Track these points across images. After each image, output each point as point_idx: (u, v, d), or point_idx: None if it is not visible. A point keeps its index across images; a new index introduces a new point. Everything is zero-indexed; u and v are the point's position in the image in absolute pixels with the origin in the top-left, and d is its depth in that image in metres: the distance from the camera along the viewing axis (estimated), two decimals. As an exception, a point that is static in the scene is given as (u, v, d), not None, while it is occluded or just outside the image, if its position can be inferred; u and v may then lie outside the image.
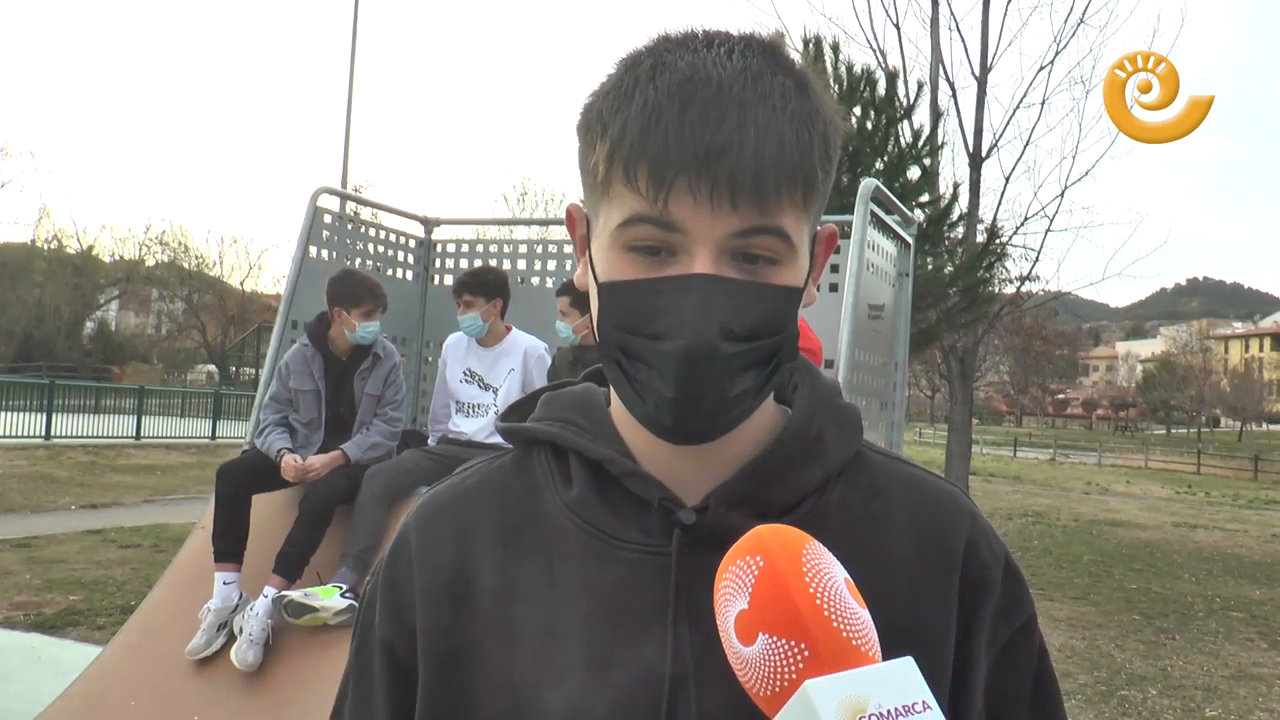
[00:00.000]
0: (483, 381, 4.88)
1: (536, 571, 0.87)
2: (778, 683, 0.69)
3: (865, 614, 0.72)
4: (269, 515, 4.34)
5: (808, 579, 0.70)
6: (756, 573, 0.71)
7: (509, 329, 4.97)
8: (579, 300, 4.56)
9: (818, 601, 0.69)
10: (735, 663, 0.72)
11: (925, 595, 0.86)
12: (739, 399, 0.80)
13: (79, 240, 45.15)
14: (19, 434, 19.54)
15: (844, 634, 0.69)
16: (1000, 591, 0.89)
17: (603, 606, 0.84)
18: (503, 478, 0.94)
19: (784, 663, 0.69)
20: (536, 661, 0.84)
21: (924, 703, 0.68)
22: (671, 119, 0.76)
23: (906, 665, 0.69)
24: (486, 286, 4.82)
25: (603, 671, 0.82)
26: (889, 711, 0.66)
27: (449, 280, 6.29)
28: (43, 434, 20.05)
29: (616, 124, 0.78)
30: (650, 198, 0.77)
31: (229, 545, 4.25)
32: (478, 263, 6.32)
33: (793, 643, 0.69)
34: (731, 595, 0.73)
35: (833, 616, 0.69)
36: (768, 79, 0.79)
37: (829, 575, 0.71)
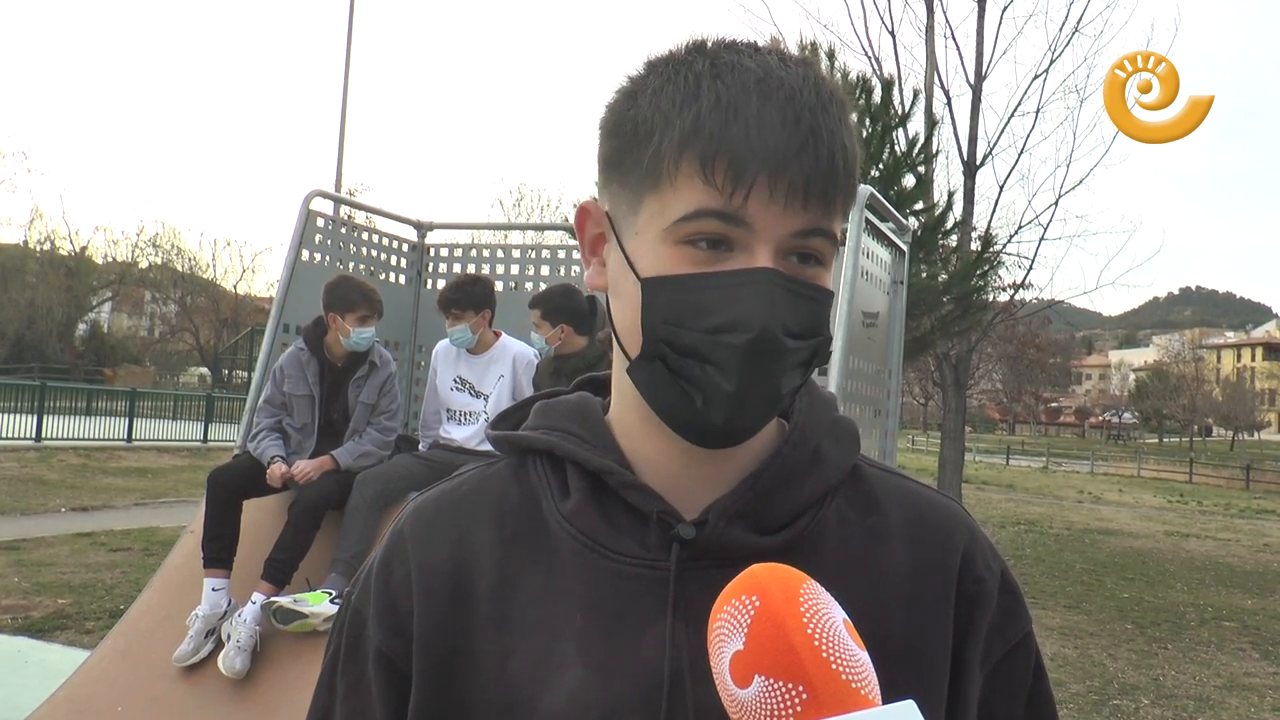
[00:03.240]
0: (473, 389, 4.87)
1: (533, 581, 0.86)
2: None
3: (864, 656, 0.70)
4: (259, 520, 4.32)
5: (805, 620, 0.68)
6: (753, 613, 0.69)
7: (498, 335, 4.95)
8: (551, 312, 4.60)
9: (816, 643, 0.67)
10: (730, 705, 0.70)
11: (922, 610, 0.85)
12: (785, 397, 0.82)
13: (72, 242, 45.13)
14: (10, 436, 19.45)
15: (843, 676, 0.67)
16: (996, 607, 0.88)
17: (599, 618, 0.83)
18: (499, 486, 0.92)
19: (781, 706, 0.67)
20: (532, 668, 0.83)
21: None
22: (751, 115, 0.76)
23: (908, 709, 0.67)
24: (474, 299, 4.80)
25: (599, 677, 0.81)
26: None
27: (442, 285, 6.28)
28: (33, 436, 19.97)
29: (686, 117, 0.78)
30: (726, 192, 0.76)
31: (219, 551, 4.22)
32: (471, 268, 6.31)
33: (790, 685, 0.67)
34: (726, 636, 0.70)
35: (831, 659, 0.67)
36: (824, 89, 0.80)
37: (828, 616, 0.69)
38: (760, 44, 0.83)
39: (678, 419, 0.82)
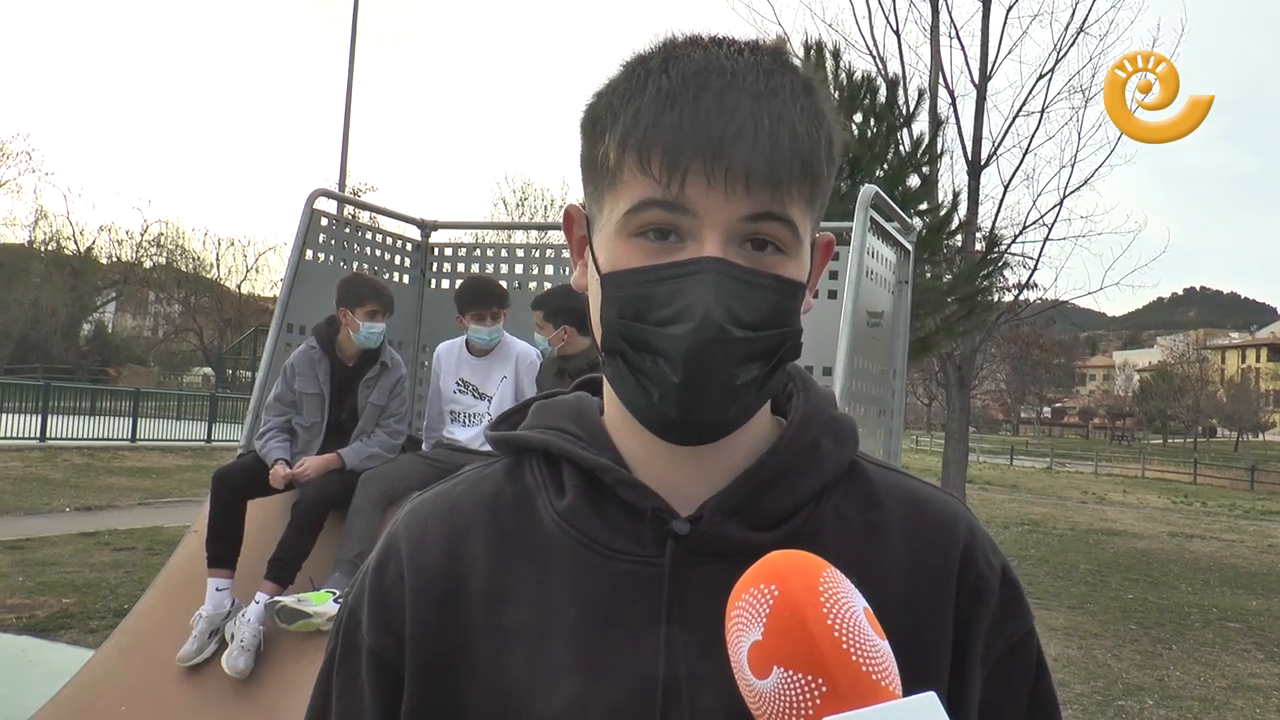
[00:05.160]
0: (477, 390, 4.86)
1: (528, 581, 0.86)
2: (794, 719, 0.66)
3: (885, 646, 0.69)
4: (263, 520, 4.31)
5: (825, 609, 0.67)
6: (771, 602, 0.68)
7: (501, 335, 4.95)
8: (553, 313, 4.60)
9: (836, 634, 0.66)
10: (749, 696, 0.69)
11: (922, 607, 0.85)
12: (743, 390, 0.79)
13: (76, 242, 45.11)
14: (14, 435, 19.49)
15: (863, 668, 0.66)
16: (997, 603, 0.88)
17: (594, 616, 0.83)
18: (494, 486, 0.92)
19: (800, 698, 0.66)
20: (527, 670, 0.82)
21: None
22: (687, 104, 0.77)
23: (929, 701, 0.66)
24: (505, 299, 4.85)
25: (595, 680, 0.81)
26: None
27: (446, 284, 6.28)
28: (38, 436, 20.01)
29: (629, 111, 0.78)
30: (664, 181, 0.76)
31: (222, 551, 4.21)
32: (475, 268, 6.30)
33: (809, 677, 0.66)
34: (745, 625, 0.69)
35: (851, 650, 0.66)
36: (779, 75, 0.79)
37: (848, 605, 0.68)
38: (725, 37, 0.83)
39: (641, 414, 0.82)
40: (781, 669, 0.66)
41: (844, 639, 0.66)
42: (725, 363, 0.77)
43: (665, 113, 0.77)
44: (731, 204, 0.77)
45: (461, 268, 6.33)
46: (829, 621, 0.66)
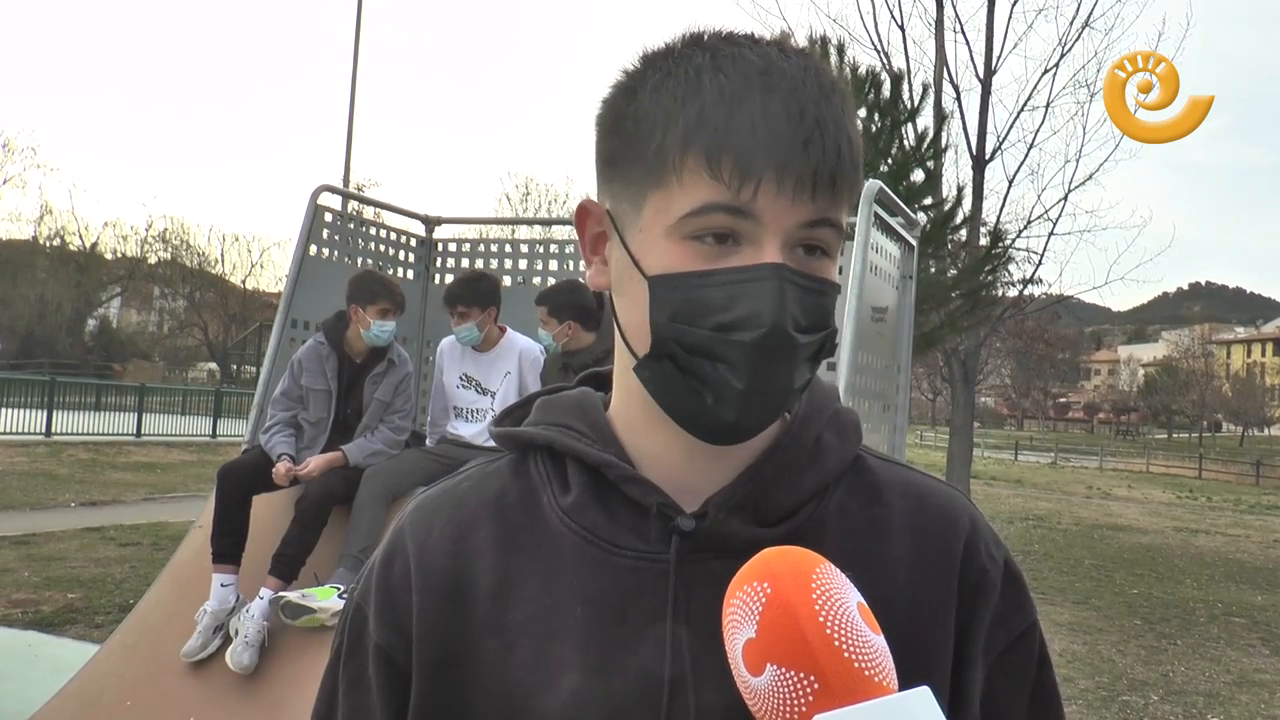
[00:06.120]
0: (480, 386, 4.85)
1: (533, 577, 0.86)
2: (788, 716, 0.66)
3: (880, 641, 0.69)
4: (268, 516, 4.32)
5: (817, 606, 0.67)
6: (764, 600, 0.68)
7: (503, 330, 4.93)
8: (557, 309, 4.58)
9: (828, 631, 0.66)
10: (745, 693, 0.69)
11: (925, 601, 0.85)
12: (798, 392, 0.81)
13: (81, 237, 45.25)
14: (20, 431, 19.53)
15: (856, 664, 0.66)
16: (999, 597, 0.88)
17: (600, 612, 0.83)
18: (499, 482, 0.92)
19: (793, 695, 0.66)
20: (532, 666, 0.83)
21: None
22: (756, 107, 0.76)
23: (922, 696, 0.66)
24: (480, 296, 4.76)
25: (600, 676, 0.81)
26: None
27: (450, 280, 6.28)
28: (43, 431, 20.04)
29: (689, 110, 0.77)
30: (734, 186, 0.76)
31: (228, 547, 4.22)
32: (479, 263, 6.30)
33: (802, 675, 0.66)
34: (738, 623, 0.69)
35: (844, 646, 0.66)
36: (826, 80, 0.80)
37: (840, 601, 0.68)
38: (756, 35, 0.83)
39: (688, 417, 0.81)
40: (775, 666, 0.66)
41: (836, 636, 0.66)
42: (789, 367, 0.78)
43: (735, 115, 0.76)
44: (795, 211, 0.77)
45: (465, 263, 6.33)
46: (821, 619, 0.66)
